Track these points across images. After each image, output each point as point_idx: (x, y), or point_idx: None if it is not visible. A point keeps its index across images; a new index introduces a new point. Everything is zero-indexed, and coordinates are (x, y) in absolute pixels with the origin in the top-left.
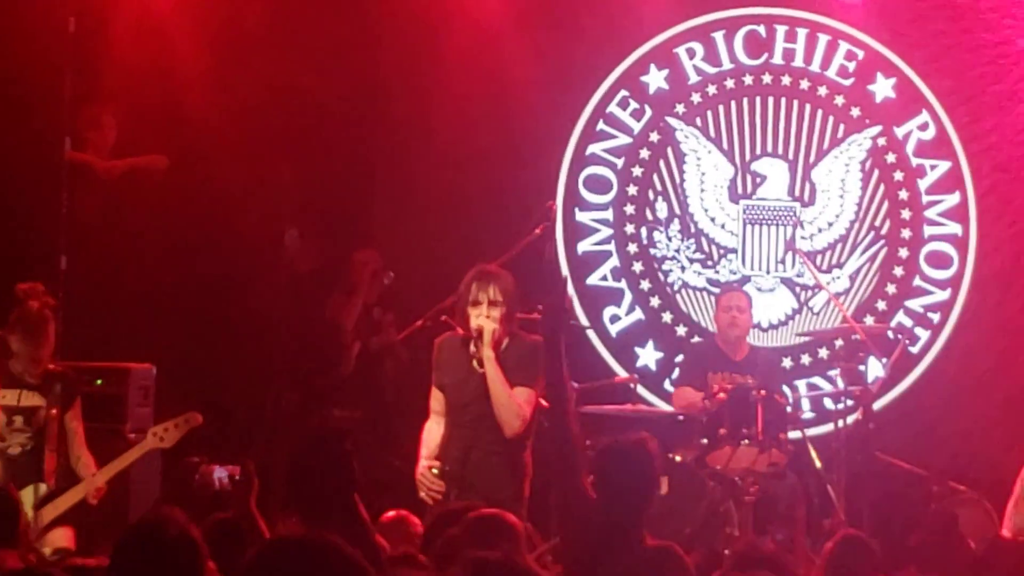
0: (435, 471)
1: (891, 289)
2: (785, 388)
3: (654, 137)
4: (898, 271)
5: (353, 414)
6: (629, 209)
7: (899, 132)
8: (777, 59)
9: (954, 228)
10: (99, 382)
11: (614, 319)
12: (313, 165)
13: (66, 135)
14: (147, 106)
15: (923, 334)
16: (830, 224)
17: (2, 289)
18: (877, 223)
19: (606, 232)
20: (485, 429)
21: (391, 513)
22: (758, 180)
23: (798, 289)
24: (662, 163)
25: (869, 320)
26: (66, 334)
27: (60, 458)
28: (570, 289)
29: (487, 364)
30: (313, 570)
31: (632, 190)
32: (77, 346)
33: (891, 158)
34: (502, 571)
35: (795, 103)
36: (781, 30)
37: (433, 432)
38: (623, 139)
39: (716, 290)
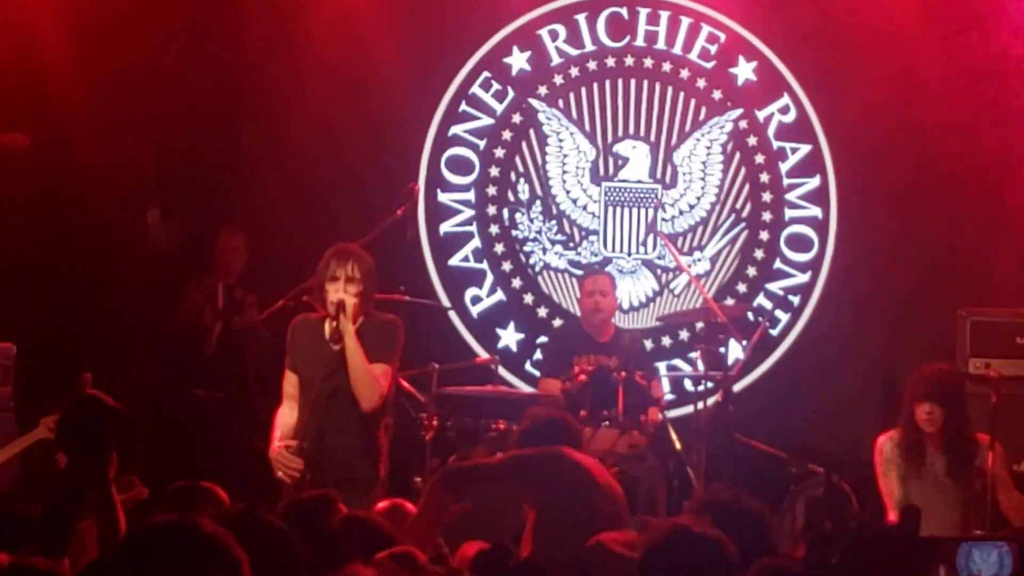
0: (290, 450)
1: (752, 272)
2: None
3: (517, 118)
4: (759, 254)
5: (215, 394)
6: (491, 190)
7: (760, 115)
8: (639, 41)
9: (815, 211)
10: None
11: (475, 300)
12: (175, 144)
13: None
14: (7, 84)
15: (783, 316)
16: (691, 207)
17: None
18: (738, 206)
19: (468, 213)
20: (340, 407)
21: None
22: (620, 162)
23: (659, 271)
24: (524, 144)
25: (730, 302)
26: None
27: None
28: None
29: (347, 337)
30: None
31: (494, 171)
32: None
33: (752, 141)
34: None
35: (657, 85)
36: (644, 12)
37: (286, 416)
38: (486, 120)
39: (578, 272)
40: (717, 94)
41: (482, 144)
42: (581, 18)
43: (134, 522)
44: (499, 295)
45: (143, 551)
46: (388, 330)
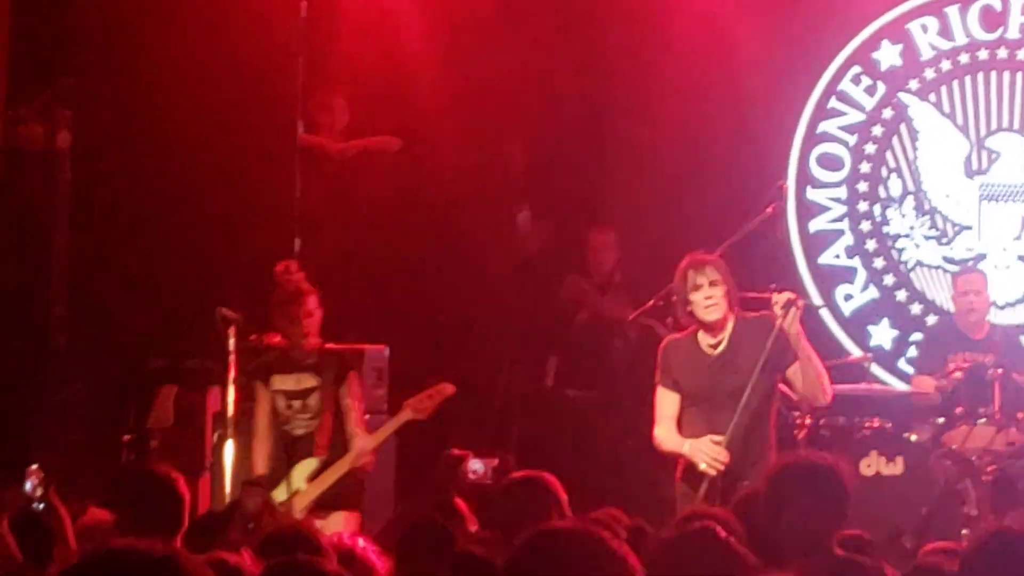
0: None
1: None
2: None
3: (887, 114)
4: None
5: (586, 394)
6: (862, 187)
7: None
8: (1013, 33)
9: None
10: None
11: (847, 298)
12: (542, 146)
13: (298, 119)
14: (378, 89)
15: None
16: None
17: (241, 271)
18: None
19: (839, 210)
20: (733, 409)
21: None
22: (993, 156)
23: None
24: (895, 140)
25: None
26: None
27: (335, 435)
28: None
29: (797, 338)
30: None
31: (865, 167)
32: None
33: None
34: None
35: None
36: (1017, 3)
37: (671, 436)
38: (856, 116)
39: (952, 268)
40: None
41: (852, 140)
42: (952, 11)
43: None
44: (872, 292)
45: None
46: (768, 328)
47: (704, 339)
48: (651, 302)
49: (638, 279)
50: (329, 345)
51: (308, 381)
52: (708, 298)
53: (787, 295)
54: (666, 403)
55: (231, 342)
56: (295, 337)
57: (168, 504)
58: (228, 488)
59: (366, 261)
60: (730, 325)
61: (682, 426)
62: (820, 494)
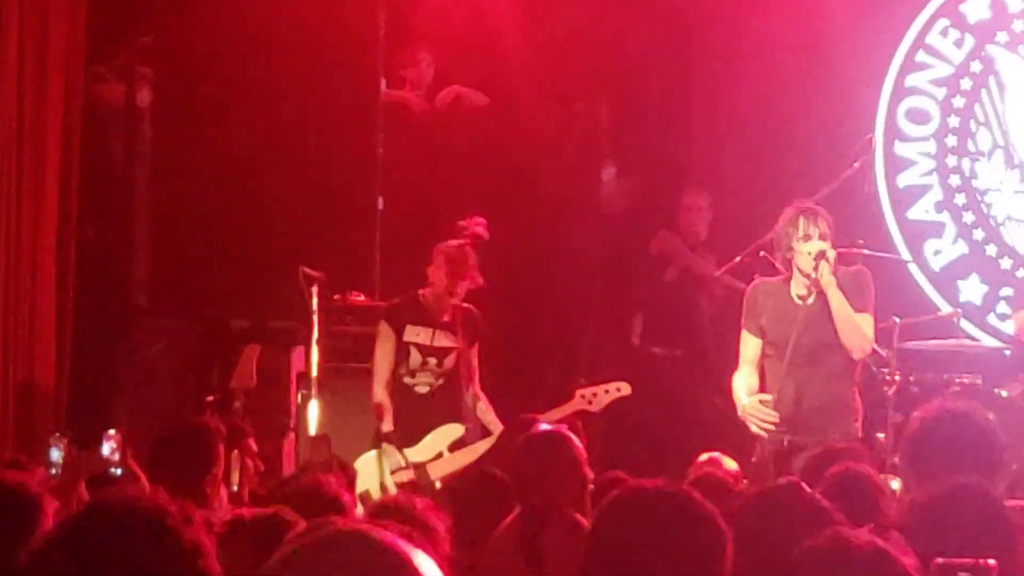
0: (765, 404)
1: None
2: None
3: (975, 67)
4: None
5: (672, 352)
6: (951, 141)
7: None
8: None
9: None
10: None
11: (936, 253)
12: (628, 103)
13: (381, 75)
14: (461, 44)
15: None
16: None
17: (324, 230)
18: None
19: (927, 165)
20: (818, 365)
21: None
22: None
23: None
24: (984, 93)
25: None
26: (384, 277)
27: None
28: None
29: (831, 289)
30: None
31: (954, 121)
32: (395, 290)
33: None
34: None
35: None
36: None
37: (748, 381)
38: (944, 69)
39: None
40: None
41: (941, 94)
42: None
43: None
44: (961, 247)
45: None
46: (862, 280)
47: (796, 288)
48: (738, 258)
49: (725, 237)
50: (463, 303)
51: (444, 339)
52: (817, 253)
53: (818, 245)
54: (748, 347)
55: (314, 302)
56: (442, 293)
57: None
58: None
59: (448, 220)
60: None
61: (764, 376)
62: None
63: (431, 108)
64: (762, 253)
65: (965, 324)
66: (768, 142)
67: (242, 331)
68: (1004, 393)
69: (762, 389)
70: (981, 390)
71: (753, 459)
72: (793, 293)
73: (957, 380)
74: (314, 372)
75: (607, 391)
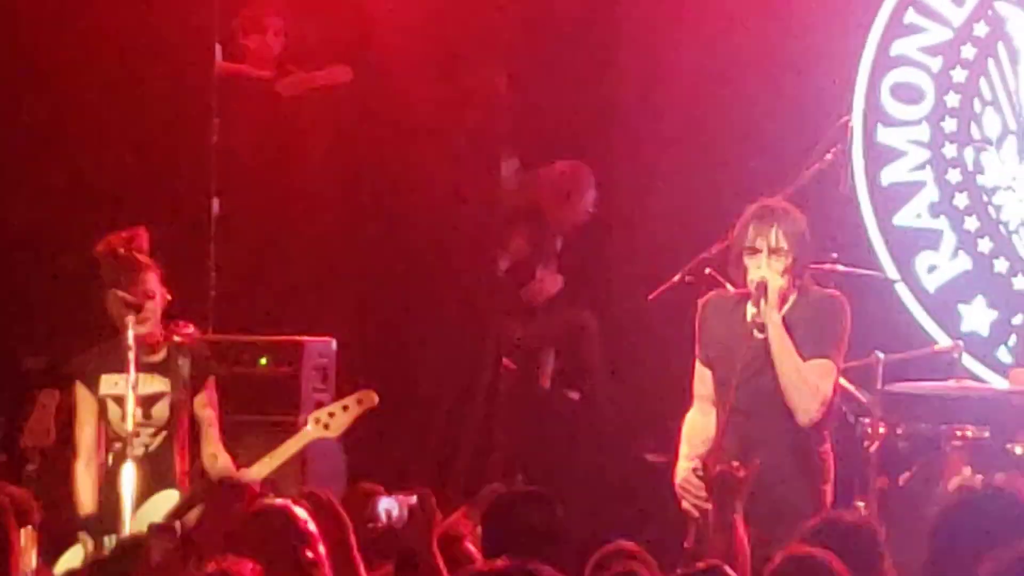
0: (700, 475)
1: None
2: None
3: (981, 29)
4: None
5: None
6: (950, 125)
7: None
8: None
9: None
10: (263, 361)
11: (931, 269)
12: (535, 80)
13: (215, 41)
14: (325, 10)
15: None
16: None
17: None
18: None
19: (920, 156)
20: (768, 415)
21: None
22: None
23: None
24: (992, 63)
25: None
26: (218, 299)
27: (194, 458)
28: None
29: (772, 329)
30: None
31: (953, 100)
32: (234, 314)
33: None
34: None
35: None
36: None
37: (698, 424)
38: (941, 33)
39: None
40: None
41: (936, 65)
42: None
43: None
44: (962, 261)
45: None
46: (829, 313)
47: (753, 310)
48: (677, 277)
49: (658, 249)
50: (182, 336)
51: (152, 384)
52: (763, 268)
53: (760, 272)
54: (699, 381)
55: (130, 335)
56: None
57: None
58: (127, 525)
59: (305, 227)
60: (791, 299)
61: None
62: None
63: (286, 91)
64: (708, 270)
65: (968, 360)
66: (715, 127)
67: (36, 372)
68: (1018, 449)
69: None
70: (988, 445)
71: (685, 545)
72: (750, 315)
73: (958, 433)
74: (129, 426)
75: (346, 407)
